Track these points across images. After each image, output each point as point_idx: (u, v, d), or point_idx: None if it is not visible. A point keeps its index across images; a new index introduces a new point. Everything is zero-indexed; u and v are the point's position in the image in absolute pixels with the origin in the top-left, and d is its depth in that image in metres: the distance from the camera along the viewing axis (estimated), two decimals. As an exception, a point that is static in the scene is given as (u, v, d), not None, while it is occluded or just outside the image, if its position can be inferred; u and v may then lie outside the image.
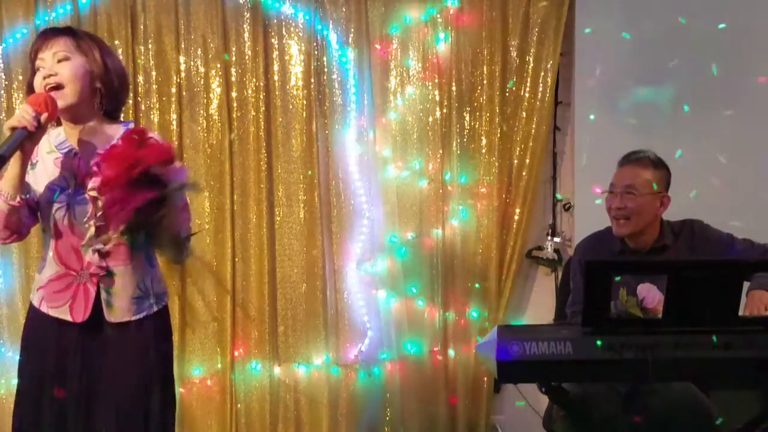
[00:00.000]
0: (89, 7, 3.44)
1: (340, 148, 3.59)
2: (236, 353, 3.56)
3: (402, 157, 3.63)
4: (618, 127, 3.51)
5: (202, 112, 3.52)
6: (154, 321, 2.17)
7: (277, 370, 3.59)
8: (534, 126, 3.59)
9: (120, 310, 2.10)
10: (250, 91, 3.53)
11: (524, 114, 3.60)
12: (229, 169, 3.51)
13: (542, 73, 3.58)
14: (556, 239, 3.67)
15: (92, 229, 2.04)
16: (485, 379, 3.65)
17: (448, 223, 3.64)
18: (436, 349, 3.65)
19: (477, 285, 3.64)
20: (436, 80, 3.59)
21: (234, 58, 3.52)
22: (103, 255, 2.06)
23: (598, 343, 2.03)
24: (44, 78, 2.01)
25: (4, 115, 3.46)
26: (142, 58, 3.47)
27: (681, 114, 3.49)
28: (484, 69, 3.59)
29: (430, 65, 3.59)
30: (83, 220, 2.05)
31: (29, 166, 2.05)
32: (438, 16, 3.59)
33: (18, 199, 2.00)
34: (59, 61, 2.03)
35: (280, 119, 3.56)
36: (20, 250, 3.48)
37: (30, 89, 2.07)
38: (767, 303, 2.38)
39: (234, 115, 3.53)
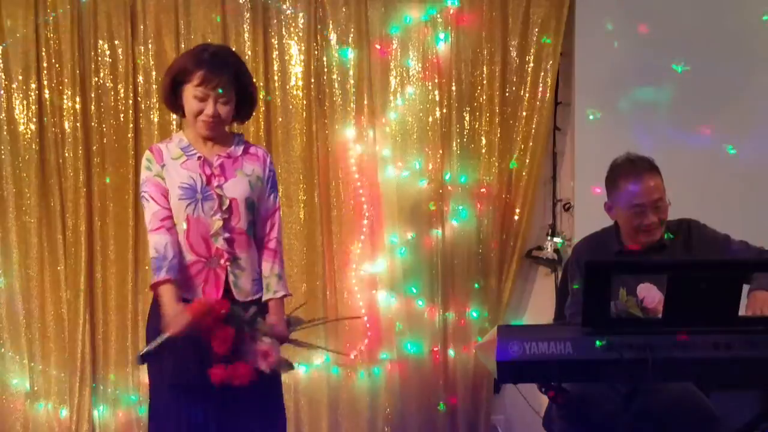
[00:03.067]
0: (89, 7, 3.44)
1: (340, 148, 3.59)
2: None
3: (402, 157, 3.63)
4: (618, 127, 3.51)
5: (202, 112, 3.52)
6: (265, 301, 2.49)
7: (277, 370, 3.59)
8: (534, 126, 3.59)
9: (244, 290, 2.43)
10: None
11: (524, 114, 3.60)
12: (229, 169, 3.51)
13: (542, 73, 3.58)
14: (556, 239, 3.68)
15: (219, 222, 2.36)
16: (485, 379, 3.65)
17: (448, 223, 3.64)
18: (436, 349, 3.65)
19: (477, 285, 3.64)
20: (436, 80, 3.59)
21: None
22: (230, 243, 2.39)
23: (598, 343, 2.03)
24: (208, 115, 2.37)
25: (4, 114, 3.47)
26: (142, 58, 3.48)
27: (681, 114, 3.49)
28: (484, 69, 3.59)
29: (430, 65, 3.59)
30: (210, 213, 2.36)
31: (160, 167, 2.40)
32: (438, 16, 3.59)
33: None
34: (219, 102, 2.38)
35: (280, 119, 3.56)
36: (20, 250, 3.48)
37: (172, 101, 2.44)
38: None
39: (234, 115, 3.53)
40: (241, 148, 2.50)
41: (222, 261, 2.39)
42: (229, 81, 2.39)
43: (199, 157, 2.42)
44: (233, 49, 2.55)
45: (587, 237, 2.82)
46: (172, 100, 2.45)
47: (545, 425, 2.72)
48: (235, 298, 2.40)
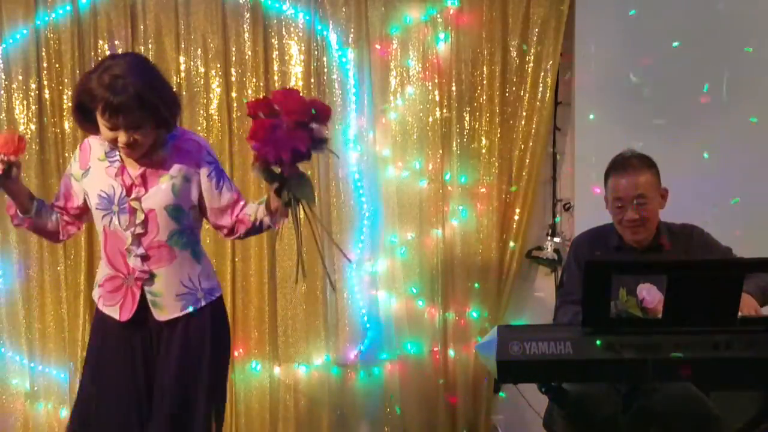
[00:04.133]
0: (89, 7, 3.44)
1: (340, 148, 3.60)
2: (236, 353, 3.55)
3: (402, 157, 3.63)
4: (618, 127, 3.51)
5: (202, 112, 3.52)
6: (207, 314, 2.33)
7: (277, 370, 3.60)
8: (534, 126, 3.59)
9: (167, 308, 2.28)
10: (250, 91, 3.53)
11: (524, 114, 3.60)
12: (229, 169, 3.50)
13: (542, 73, 3.58)
14: (556, 239, 3.68)
15: (130, 237, 2.23)
16: (485, 379, 3.65)
17: (448, 223, 3.63)
18: (436, 349, 3.65)
19: (477, 285, 3.64)
20: (436, 80, 3.59)
21: (234, 58, 3.52)
22: (144, 259, 2.24)
23: (598, 343, 2.04)
24: (123, 143, 2.16)
25: (4, 114, 3.47)
26: (142, 58, 3.48)
27: (681, 113, 3.49)
28: (484, 69, 3.59)
29: (430, 65, 3.59)
30: (125, 226, 2.23)
31: (83, 173, 2.28)
32: (438, 16, 3.58)
33: (24, 218, 2.26)
34: (130, 129, 2.14)
35: (280, 119, 3.56)
36: (20, 250, 3.48)
37: (82, 120, 2.22)
38: (756, 307, 2.38)
39: (234, 115, 3.53)
40: (170, 147, 2.28)
41: (135, 279, 2.25)
42: (134, 106, 2.11)
43: (118, 167, 2.25)
44: (141, 59, 2.26)
45: (587, 231, 2.84)
46: (83, 119, 2.23)
47: (545, 425, 2.72)
48: (155, 318, 2.27)
